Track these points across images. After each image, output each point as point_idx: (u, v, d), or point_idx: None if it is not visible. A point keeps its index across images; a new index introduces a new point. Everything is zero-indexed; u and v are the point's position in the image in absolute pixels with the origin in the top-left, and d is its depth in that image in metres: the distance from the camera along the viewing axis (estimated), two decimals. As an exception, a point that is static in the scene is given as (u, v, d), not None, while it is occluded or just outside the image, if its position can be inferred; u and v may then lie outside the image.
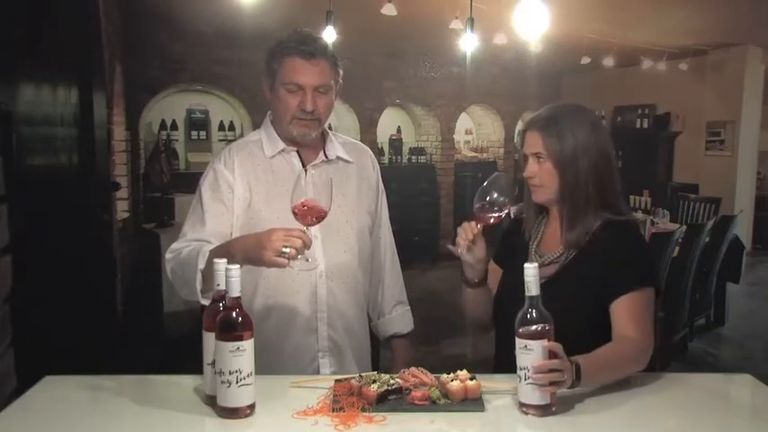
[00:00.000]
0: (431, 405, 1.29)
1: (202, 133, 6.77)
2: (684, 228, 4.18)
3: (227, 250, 1.43)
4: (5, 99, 1.83)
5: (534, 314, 1.25)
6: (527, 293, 1.26)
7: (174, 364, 1.72)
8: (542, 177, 1.53)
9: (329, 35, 4.26)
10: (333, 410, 1.26)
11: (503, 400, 1.32)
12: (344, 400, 1.30)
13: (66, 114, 2.53)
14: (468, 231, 1.52)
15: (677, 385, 1.47)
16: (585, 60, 7.06)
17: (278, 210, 1.59)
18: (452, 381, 1.32)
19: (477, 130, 9.23)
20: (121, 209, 4.60)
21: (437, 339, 4.51)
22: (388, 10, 4.70)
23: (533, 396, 1.23)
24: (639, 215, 5.17)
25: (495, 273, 1.70)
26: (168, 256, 1.58)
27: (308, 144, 1.69)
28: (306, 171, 1.55)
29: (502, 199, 1.50)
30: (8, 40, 1.88)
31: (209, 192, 1.64)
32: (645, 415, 1.31)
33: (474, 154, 8.93)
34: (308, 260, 1.38)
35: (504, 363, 1.52)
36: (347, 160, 1.75)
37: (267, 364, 1.56)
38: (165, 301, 4.47)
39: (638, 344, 1.42)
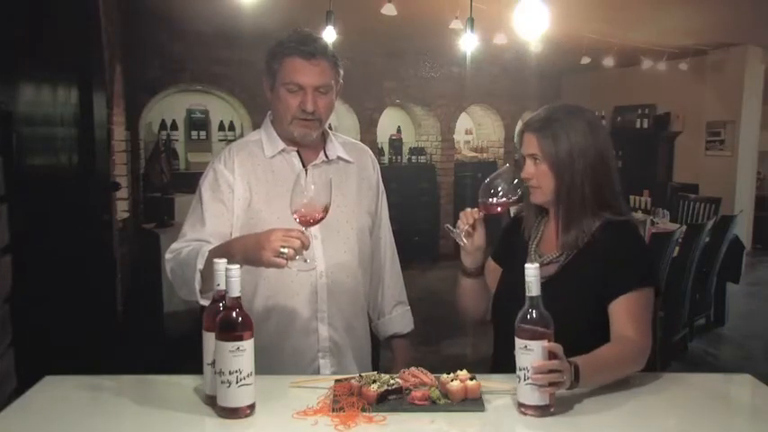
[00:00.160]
0: (431, 405, 1.29)
1: (202, 133, 6.76)
2: (684, 228, 4.18)
3: (226, 250, 1.43)
4: (5, 99, 1.83)
5: (535, 314, 1.24)
6: (528, 294, 1.26)
7: (174, 364, 1.72)
8: (539, 179, 1.53)
9: (329, 35, 4.26)
10: (333, 410, 1.26)
11: (503, 400, 1.32)
12: (344, 400, 1.30)
13: (66, 114, 2.53)
14: (469, 216, 1.53)
15: (677, 385, 1.47)
16: (585, 60, 7.06)
17: (278, 210, 1.59)
18: (452, 381, 1.32)
19: (477, 130, 9.23)
20: (121, 209, 4.60)
21: (437, 339, 4.51)
22: (388, 10, 4.70)
23: (532, 397, 1.23)
24: (639, 215, 5.17)
25: (495, 272, 1.70)
26: (168, 256, 1.59)
27: (309, 144, 1.68)
28: (306, 171, 1.55)
29: (507, 189, 1.50)
30: (8, 40, 1.88)
31: (208, 192, 1.64)
32: (644, 415, 1.31)
33: (474, 154, 8.92)
34: (306, 261, 1.38)
35: (503, 362, 1.52)
36: (347, 160, 1.75)
37: (267, 364, 1.56)
38: (165, 301, 4.47)
39: (637, 344, 1.42)
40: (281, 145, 1.67)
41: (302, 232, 1.36)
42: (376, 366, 1.85)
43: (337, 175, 1.67)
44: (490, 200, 1.51)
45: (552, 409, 1.25)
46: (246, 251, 1.39)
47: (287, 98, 1.61)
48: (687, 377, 1.55)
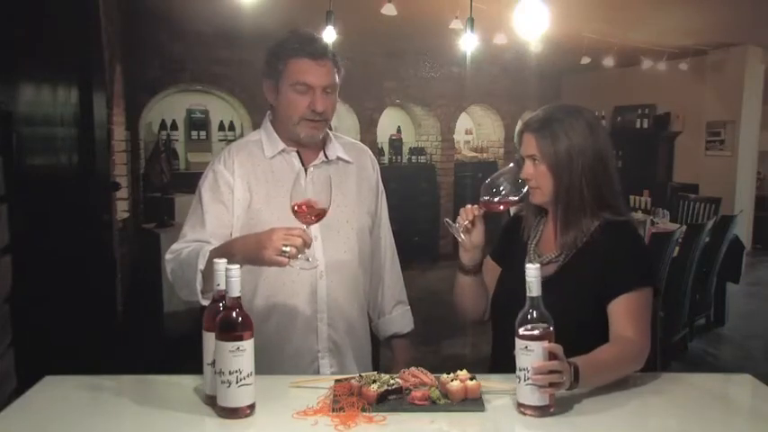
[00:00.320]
0: (431, 405, 1.29)
1: (202, 133, 6.77)
2: (684, 228, 4.18)
3: (227, 250, 1.43)
4: (5, 99, 1.83)
5: (535, 315, 1.24)
6: (528, 294, 1.26)
7: (174, 364, 1.72)
8: (538, 179, 1.53)
9: (329, 35, 4.26)
10: (333, 410, 1.26)
11: (502, 401, 1.32)
12: (344, 400, 1.30)
13: (66, 114, 2.53)
14: (468, 212, 1.53)
15: (677, 385, 1.47)
16: (585, 60, 7.06)
17: (278, 210, 1.59)
18: (452, 381, 1.32)
19: (477, 130, 9.23)
20: (121, 209, 4.60)
21: (437, 339, 4.51)
22: (388, 10, 4.70)
23: (532, 397, 1.23)
24: (639, 215, 5.18)
25: (494, 270, 1.70)
26: (168, 257, 1.59)
27: (310, 144, 1.69)
28: (306, 171, 1.55)
29: (510, 189, 1.50)
30: (8, 40, 1.88)
31: (208, 192, 1.64)
32: (644, 415, 1.31)
33: (474, 154, 8.93)
34: (308, 260, 1.39)
35: (501, 362, 1.52)
36: (347, 160, 1.75)
37: (267, 364, 1.56)
38: (165, 301, 4.47)
39: (637, 344, 1.42)
40: (281, 145, 1.67)
41: (304, 231, 1.36)
42: (376, 366, 1.85)
43: (337, 175, 1.67)
44: (492, 198, 1.51)
45: (552, 410, 1.25)
46: (248, 250, 1.39)
47: (295, 99, 1.60)
48: (687, 377, 1.55)
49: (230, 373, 1.21)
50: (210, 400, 1.29)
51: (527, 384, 1.23)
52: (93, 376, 1.46)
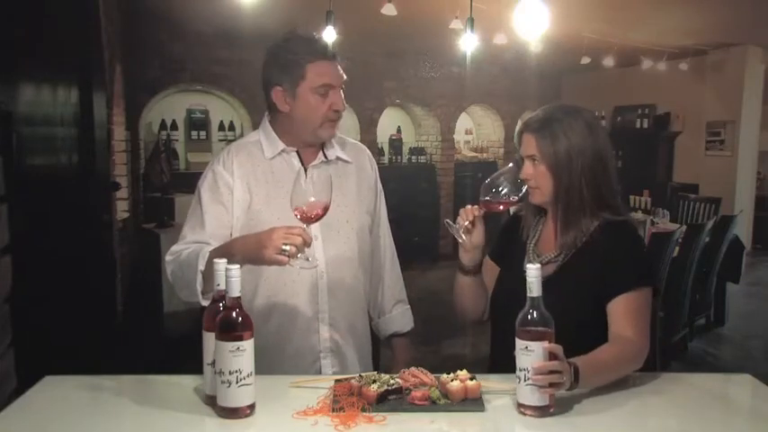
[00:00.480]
0: (431, 405, 1.29)
1: (202, 133, 6.77)
2: (684, 228, 4.18)
3: (227, 250, 1.43)
4: (5, 99, 1.83)
5: (535, 315, 1.24)
6: (528, 294, 1.26)
7: (174, 364, 1.72)
8: (537, 179, 1.53)
9: (329, 35, 4.26)
10: (333, 410, 1.26)
11: (502, 401, 1.32)
12: (344, 400, 1.30)
13: (66, 114, 2.53)
14: (468, 213, 1.53)
15: (677, 385, 1.47)
16: (585, 60, 7.06)
17: (278, 211, 1.59)
18: (452, 381, 1.32)
19: (477, 130, 9.23)
20: (121, 209, 4.60)
21: (437, 339, 4.51)
22: (388, 10, 4.70)
23: (532, 397, 1.23)
24: (639, 215, 5.17)
25: (492, 270, 1.70)
26: (168, 258, 1.59)
27: (311, 145, 1.69)
28: (306, 172, 1.55)
29: (510, 189, 1.50)
30: (8, 40, 1.88)
31: (208, 193, 1.64)
32: (644, 415, 1.31)
33: (474, 154, 8.93)
34: (308, 259, 1.39)
35: (500, 362, 1.53)
36: (346, 160, 1.75)
37: (268, 365, 1.56)
38: (165, 301, 4.47)
39: (636, 344, 1.42)
40: (281, 146, 1.67)
41: (304, 230, 1.36)
42: (376, 366, 1.85)
43: (336, 175, 1.66)
44: (492, 198, 1.51)
45: (552, 410, 1.25)
46: (248, 250, 1.39)
47: (318, 102, 1.60)
48: (687, 377, 1.55)
49: (230, 373, 1.21)
50: (210, 400, 1.29)
51: (527, 384, 1.23)
52: (93, 376, 1.46)
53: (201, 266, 1.45)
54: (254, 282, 1.63)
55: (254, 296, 1.63)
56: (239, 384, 1.22)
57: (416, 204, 7.69)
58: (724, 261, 4.72)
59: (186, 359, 1.54)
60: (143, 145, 6.11)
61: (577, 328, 1.38)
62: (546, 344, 1.23)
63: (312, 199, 1.38)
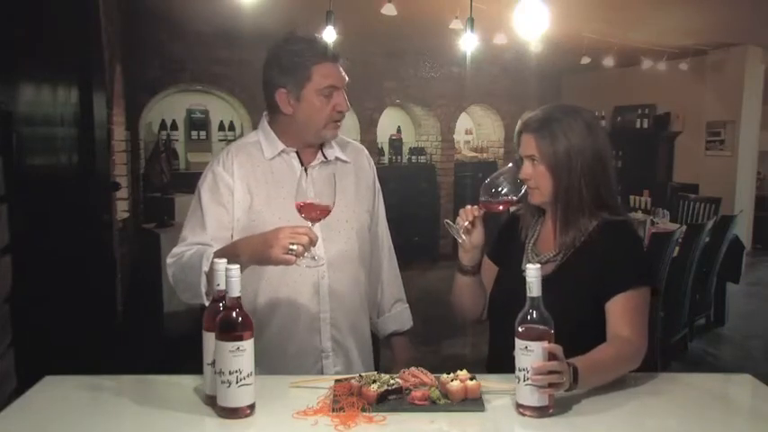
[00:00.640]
0: (431, 405, 1.29)
1: (202, 133, 6.77)
2: (684, 228, 4.18)
3: (231, 251, 1.43)
4: (5, 99, 1.83)
5: (535, 315, 1.24)
6: (528, 294, 1.26)
7: (174, 364, 1.72)
8: (537, 179, 1.53)
9: (329, 35, 4.26)
10: (333, 410, 1.26)
11: (502, 401, 1.32)
12: (344, 400, 1.30)
13: (66, 114, 2.53)
14: (468, 213, 1.53)
15: (677, 385, 1.47)
16: (585, 60, 7.06)
17: (279, 211, 1.59)
18: (452, 381, 1.32)
19: (477, 130, 9.23)
20: (121, 209, 4.60)
21: (437, 339, 4.51)
22: (388, 10, 4.70)
23: (532, 398, 1.23)
24: (639, 215, 5.18)
25: (490, 270, 1.70)
26: (169, 260, 1.58)
27: (311, 145, 1.69)
28: (306, 172, 1.55)
29: (510, 188, 1.50)
30: (8, 40, 1.88)
31: (208, 194, 1.64)
32: (644, 415, 1.31)
33: (474, 154, 8.93)
34: (314, 258, 1.39)
35: (498, 361, 1.52)
36: (345, 160, 1.75)
37: (271, 365, 1.56)
38: (165, 301, 4.47)
39: (634, 344, 1.42)
40: (281, 146, 1.67)
41: (309, 229, 1.37)
42: (376, 366, 1.85)
43: (336, 175, 1.66)
44: (492, 198, 1.51)
45: (551, 410, 1.25)
46: (254, 250, 1.40)
47: (322, 103, 1.60)
48: (687, 377, 1.55)
49: (230, 373, 1.21)
50: (210, 400, 1.29)
51: (526, 385, 1.23)
52: (93, 376, 1.46)
53: (206, 268, 1.44)
54: (256, 282, 1.62)
55: (255, 297, 1.63)
56: (239, 384, 1.22)
57: (416, 204, 7.69)
58: (724, 261, 4.72)
59: (186, 359, 1.54)
60: (143, 145, 6.11)
61: (576, 328, 1.38)
62: (546, 344, 1.23)
63: (317, 198, 1.38)
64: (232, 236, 1.61)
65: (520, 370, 1.24)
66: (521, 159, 1.57)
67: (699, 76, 7.59)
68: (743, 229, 6.59)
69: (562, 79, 9.28)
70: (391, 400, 1.31)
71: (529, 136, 1.53)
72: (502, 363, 1.38)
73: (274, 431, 1.24)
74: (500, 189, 1.51)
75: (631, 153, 7.99)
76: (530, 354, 1.23)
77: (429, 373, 1.38)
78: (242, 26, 5.06)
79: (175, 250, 1.59)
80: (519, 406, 1.26)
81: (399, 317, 1.88)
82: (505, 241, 1.71)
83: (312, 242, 1.36)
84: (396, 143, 8.12)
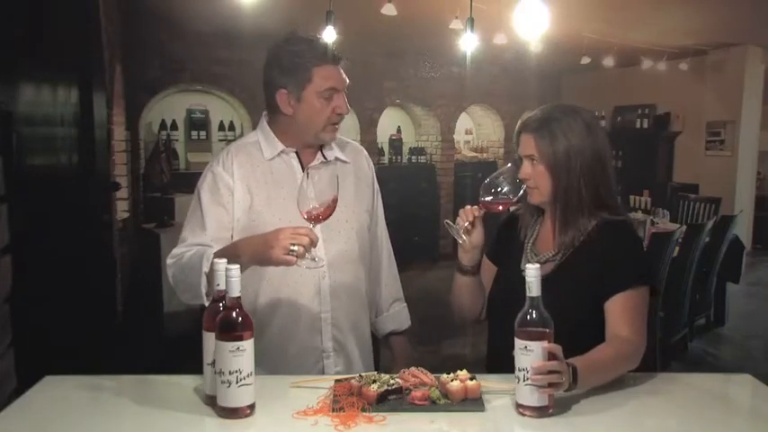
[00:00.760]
0: (431, 405, 1.29)
1: (202, 133, 6.77)
2: (684, 228, 4.18)
3: (232, 251, 1.43)
4: (5, 99, 1.83)
5: (535, 315, 1.24)
6: (528, 294, 1.26)
7: (174, 364, 1.72)
8: (536, 179, 1.53)
9: (329, 35, 4.26)
10: (333, 410, 1.27)
11: (502, 401, 1.32)
12: (344, 400, 1.30)
13: (66, 114, 2.53)
14: (468, 214, 1.53)
15: (676, 385, 1.47)
16: (585, 60, 7.06)
17: (279, 211, 1.60)
18: (452, 381, 1.32)
19: (477, 130, 9.23)
20: (121, 209, 4.60)
21: (437, 339, 4.51)
22: (388, 10, 4.70)
23: (531, 398, 1.23)
24: (639, 215, 5.18)
25: (489, 270, 1.70)
26: (169, 261, 1.58)
27: (311, 145, 1.69)
28: (307, 173, 1.55)
29: (509, 189, 1.50)
30: (8, 40, 1.88)
31: (207, 194, 1.63)
32: (644, 415, 1.31)
33: (474, 154, 8.93)
34: (314, 259, 1.39)
35: (497, 361, 1.52)
36: (344, 160, 1.76)
37: (272, 366, 1.56)
38: (165, 301, 4.47)
39: (632, 344, 1.42)
40: (280, 146, 1.67)
41: (310, 229, 1.37)
42: (376, 366, 1.85)
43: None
44: (491, 198, 1.51)
45: (551, 410, 1.25)
46: (255, 251, 1.40)
47: (323, 106, 1.61)
48: (687, 377, 1.55)
49: (230, 373, 1.21)
50: (210, 400, 1.29)
51: (526, 385, 1.23)
52: (93, 376, 1.46)
53: (206, 268, 1.44)
54: (257, 283, 1.63)
55: (256, 297, 1.63)
56: (239, 384, 1.22)
57: (416, 204, 7.69)
58: (724, 261, 4.72)
59: (186, 359, 1.54)
60: (143, 145, 6.11)
61: (575, 328, 1.38)
62: (545, 344, 1.23)
63: (320, 198, 1.38)
64: (232, 236, 1.61)
65: (519, 370, 1.24)
66: (520, 159, 1.57)
67: (699, 76, 7.58)
68: (743, 229, 6.59)
69: (562, 79, 9.28)
70: (391, 400, 1.31)
71: (528, 136, 1.53)
72: (501, 362, 1.38)
73: (274, 431, 1.24)
74: (499, 189, 1.51)
75: (631, 153, 7.99)
76: (529, 354, 1.23)
77: (429, 373, 1.38)
78: (242, 26, 5.06)
79: (175, 251, 1.59)
80: (519, 406, 1.26)
81: (398, 316, 1.89)
82: (505, 241, 1.71)
83: (313, 243, 1.36)
84: (396, 143, 8.12)
